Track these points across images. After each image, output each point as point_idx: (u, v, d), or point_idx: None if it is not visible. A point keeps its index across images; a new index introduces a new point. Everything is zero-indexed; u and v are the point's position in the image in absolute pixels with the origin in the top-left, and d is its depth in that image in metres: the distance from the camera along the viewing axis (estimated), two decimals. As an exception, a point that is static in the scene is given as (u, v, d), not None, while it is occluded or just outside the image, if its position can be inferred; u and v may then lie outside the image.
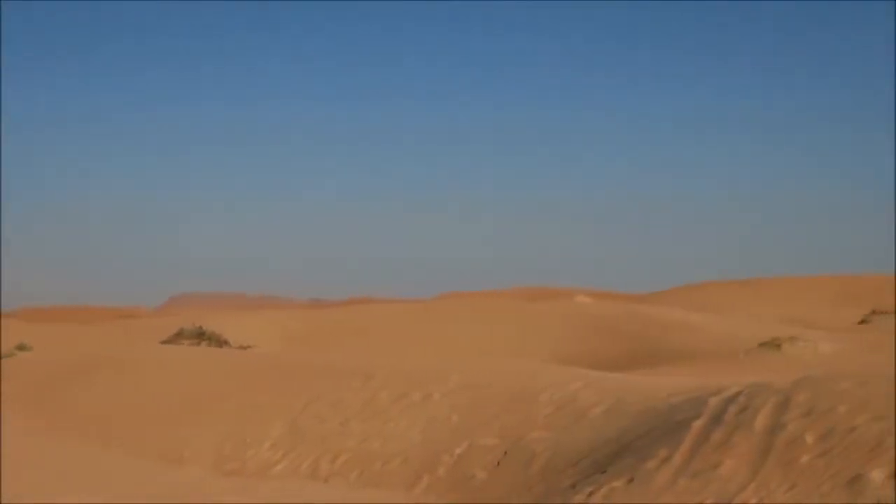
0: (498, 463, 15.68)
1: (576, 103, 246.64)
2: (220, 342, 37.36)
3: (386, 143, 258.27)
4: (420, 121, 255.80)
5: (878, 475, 10.20)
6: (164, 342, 36.57)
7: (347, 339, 46.15)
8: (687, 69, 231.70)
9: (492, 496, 14.72)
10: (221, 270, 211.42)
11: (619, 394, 17.05)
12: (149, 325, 50.49)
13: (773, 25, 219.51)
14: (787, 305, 72.98)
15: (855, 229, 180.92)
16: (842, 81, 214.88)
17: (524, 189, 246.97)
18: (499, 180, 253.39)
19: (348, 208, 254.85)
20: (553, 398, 17.57)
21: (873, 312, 53.76)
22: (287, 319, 52.82)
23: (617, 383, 18.55)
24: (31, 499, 14.80)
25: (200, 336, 37.90)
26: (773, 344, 35.75)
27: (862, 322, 52.33)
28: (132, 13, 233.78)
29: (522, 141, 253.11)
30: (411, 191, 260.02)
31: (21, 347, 31.10)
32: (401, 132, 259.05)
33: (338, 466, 17.24)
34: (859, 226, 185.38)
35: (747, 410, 12.95)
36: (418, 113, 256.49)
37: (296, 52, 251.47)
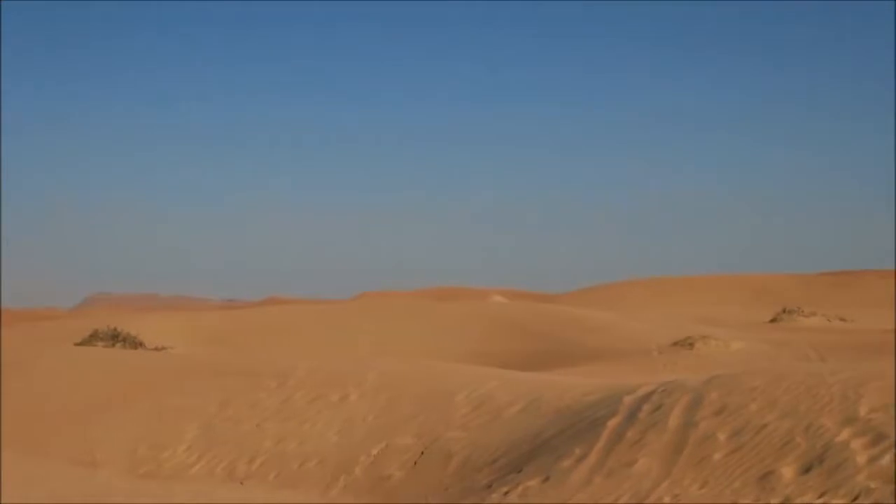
0: (415, 463, 15.71)
1: (486, 104, 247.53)
2: (136, 344, 36.90)
3: (300, 145, 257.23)
4: (332, 121, 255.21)
5: (787, 471, 10.39)
6: (78, 344, 36.05)
7: (263, 339, 45.82)
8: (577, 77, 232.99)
9: (409, 496, 14.75)
10: (136, 271, 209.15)
11: (535, 393, 17.16)
12: (63, 327, 49.65)
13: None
14: (699, 304, 73.81)
15: (766, 229, 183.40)
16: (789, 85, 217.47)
17: (439, 191, 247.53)
18: (414, 182, 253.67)
19: (261, 209, 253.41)
20: (469, 398, 17.64)
21: (783, 311, 54.55)
22: (202, 320, 52.36)
23: (532, 383, 18.68)
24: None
25: (115, 338, 37.39)
26: (687, 343, 36.18)
27: (772, 321, 53.09)
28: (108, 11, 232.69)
29: (435, 143, 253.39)
30: (325, 192, 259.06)
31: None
32: (313, 133, 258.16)
33: (254, 468, 17.16)
34: (770, 226, 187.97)
35: (661, 409, 13.12)
36: (332, 113, 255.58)
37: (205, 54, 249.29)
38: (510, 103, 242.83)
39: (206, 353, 37.38)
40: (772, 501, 9.87)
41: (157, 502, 15.25)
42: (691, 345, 35.84)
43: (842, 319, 52.91)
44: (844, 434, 10.78)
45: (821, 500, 9.53)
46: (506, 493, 12.64)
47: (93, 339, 37.21)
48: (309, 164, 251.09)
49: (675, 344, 36.67)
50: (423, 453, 15.89)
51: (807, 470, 10.31)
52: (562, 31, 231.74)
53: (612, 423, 13.28)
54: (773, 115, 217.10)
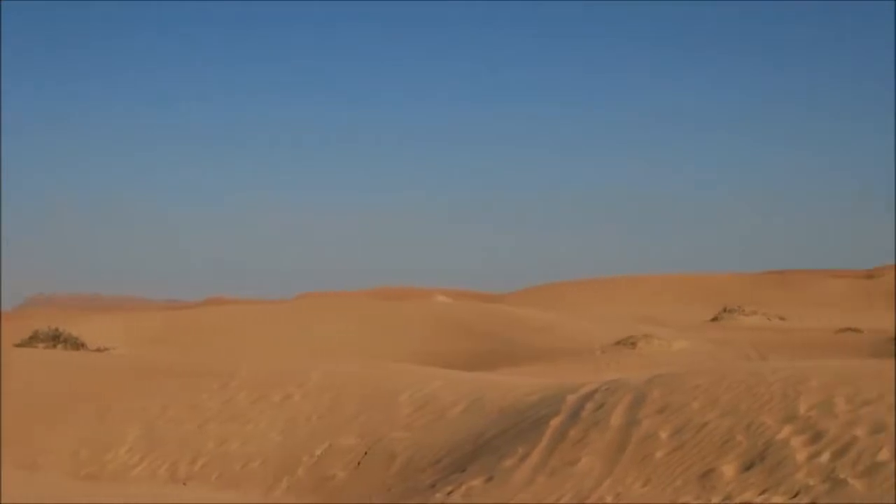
0: (358, 463, 15.69)
1: (487, 104, 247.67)
2: (77, 345, 36.61)
3: (244, 144, 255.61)
4: (332, 121, 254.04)
5: (728, 469, 10.49)
6: (17, 345, 35.67)
7: (205, 340, 45.60)
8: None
9: (352, 496, 14.72)
10: (78, 271, 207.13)
11: (478, 393, 17.19)
12: (3, 329, 49.21)
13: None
14: (641, 304, 74.33)
15: (708, 229, 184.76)
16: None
17: (382, 190, 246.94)
18: (356, 182, 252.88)
19: (203, 209, 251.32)
20: (413, 398, 17.64)
21: (724, 310, 55.06)
22: (144, 321, 52.04)
23: (476, 383, 18.70)
24: None
25: (56, 339, 37.09)
26: (629, 342, 36.44)
27: (713, 320, 53.57)
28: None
29: (378, 143, 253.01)
30: (267, 191, 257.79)
31: None
32: (259, 132, 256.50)
33: (197, 469, 17.06)
34: (712, 225, 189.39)
35: (603, 408, 13.19)
36: (332, 113, 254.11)
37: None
38: (510, 103, 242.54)
39: (147, 353, 37.17)
40: (713, 499, 9.96)
41: (101, 503, 15.13)
42: (634, 344, 36.11)
43: (781, 318, 53.48)
44: (785, 432, 10.90)
45: (761, 498, 9.62)
46: (449, 492, 12.65)
47: (33, 340, 36.87)
48: (309, 164, 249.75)
49: (618, 343, 36.92)
50: (366, 453, 15.87)
51: (747, 468, 10.41)
52: (562, 31, 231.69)
53: (555, 422, 13.34)
54: (772, 115, 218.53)
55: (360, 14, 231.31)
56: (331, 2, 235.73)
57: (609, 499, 10.63)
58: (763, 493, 9.72)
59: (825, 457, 9.97)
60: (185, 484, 16.68)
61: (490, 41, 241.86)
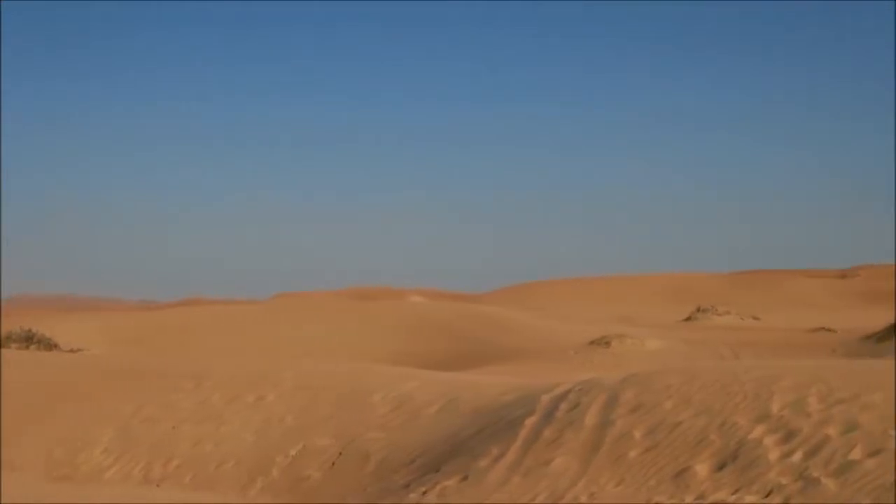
0: (333, 463, 15.68)
1: (487, 104, 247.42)
2: (50, 345, 36.44)
3: (220, 144, 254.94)
4: (332, 121, 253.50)
5: (702, 468, 10.52)
6: (-11, 346, 35.50)
7: (179, 340, 45.49)
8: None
9: (327, 496, 14.71)
10: (51, 271, 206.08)
11: (453, 393, 17.21)
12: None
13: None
14: (616, 304, 74.53)
15: (683, 229, 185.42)
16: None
17: (358, 190, 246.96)
18: (333, 183, 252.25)
19: (178, 209, 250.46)
20: (387, 398, 17.64)
21: (698, 310, 55.23)
22: (118, 321, 51.86)
23: (451, 383, 18.71)
24: None
25: (29, 339, 36.90)
26: (603, 342, 36.55)
27: (687, 319, 53.73)
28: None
29: (354, 144, 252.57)
30: (243, 192, 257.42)
31: None
32: (313, 133, 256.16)
33: (171, 470, 17.01)
34: (687, 226, 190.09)
35: (578, 408, 13.21)
36: (332, 113, 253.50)
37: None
38: (510, 103, 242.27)
39: (121, 354, 37.03)
40: (686, 499, 9.99)
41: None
42: (608, 344, 36.23)
43: (755, 318, 53.70)
44: (757, 431, 10.94)
45: (734, 497, 9.65)
46: (424, 492, 12.66)
47: (7, 340, 36.67)
48: (309, 164, 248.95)
49: (592, 343, 37.03)
50: (340, 454, 15.86)
51: (721, 467, 10.44)
52: (562, 31, 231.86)
53: (530, 422, 13.35)
54: (770, 115, 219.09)
55: (361, 14, 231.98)
56: (331, 2, 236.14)
57: (583, 498, 10.65)
58: (736, 492, 9.75)
59: (798, 456, 10.01)
60: (158, 486, 16.63)
61: (490, 41, 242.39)
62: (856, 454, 9.69)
